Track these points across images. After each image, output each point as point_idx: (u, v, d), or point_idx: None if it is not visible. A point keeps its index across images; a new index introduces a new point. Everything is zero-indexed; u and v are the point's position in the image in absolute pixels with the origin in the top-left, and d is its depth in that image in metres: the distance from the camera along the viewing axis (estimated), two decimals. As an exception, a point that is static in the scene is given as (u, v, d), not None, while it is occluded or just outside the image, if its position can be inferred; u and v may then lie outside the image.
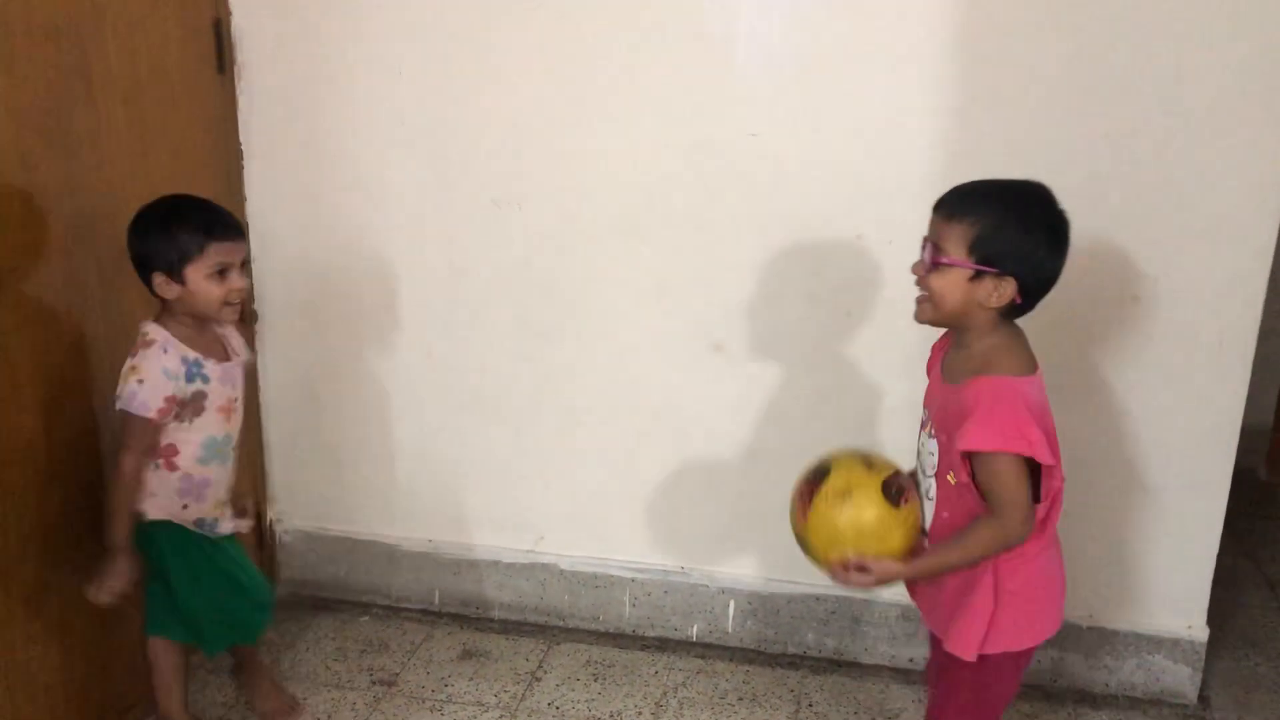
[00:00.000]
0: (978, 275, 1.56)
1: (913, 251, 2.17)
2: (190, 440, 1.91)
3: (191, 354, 1.88)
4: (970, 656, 1.63)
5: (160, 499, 1.92)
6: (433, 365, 2.46)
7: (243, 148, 2.39)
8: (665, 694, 2.35)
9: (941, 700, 1.79)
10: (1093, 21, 2.02)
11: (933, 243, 1.60)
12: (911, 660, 2.41)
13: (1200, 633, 2.32)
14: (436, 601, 2.63)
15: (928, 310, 1.63)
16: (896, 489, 1.64)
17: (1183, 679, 2.34)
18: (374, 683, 2.36)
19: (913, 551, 1.66)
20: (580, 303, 2.36)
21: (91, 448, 1.99)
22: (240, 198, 2.40)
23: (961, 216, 1.57)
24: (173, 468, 1.91)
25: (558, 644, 2.52)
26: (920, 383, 1.78)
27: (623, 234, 2.30)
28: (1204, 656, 2.33)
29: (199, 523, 1.96)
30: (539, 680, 2.39)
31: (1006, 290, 1.56)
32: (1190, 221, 2.08)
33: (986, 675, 1.67)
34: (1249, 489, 3.29)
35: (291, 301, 2.49)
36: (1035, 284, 1.58)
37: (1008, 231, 1.55)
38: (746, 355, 2.32)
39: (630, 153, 2.25)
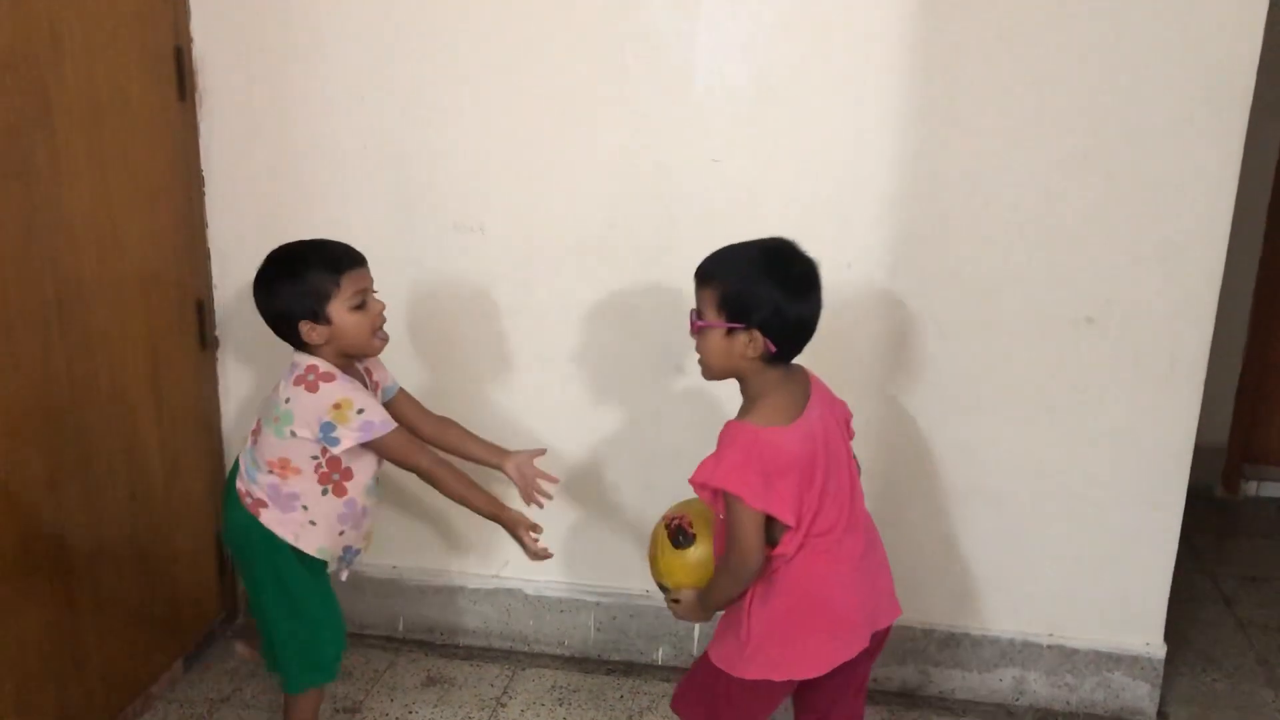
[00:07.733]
0: (730, 332, 1.66)
1: (871, 274, 2.21)
2: (365, 469, 1.91)
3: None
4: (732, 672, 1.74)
5: (320, 528, 1.90)
6: (396, 391, 2.46)
7: (204, 174, 2.39)
8: (630, 718, 2.34)
9: (691, 681, 1.87)
10: (1047, 48, 2.06)
11: (694, 309, 1.71)
12: (875, 680, 2.43)
13: (1158, 649, 2.35)
14: (400, 628, 2.62)
15: (704, 370, 1.75)
16: (679, 530, 1.81)
17: (1141, 695, 2.37)
18: (337, 710, 2.34)
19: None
20: (543, 326, 2.37)
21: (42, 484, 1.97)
22: (201, 225, 2.39)
23: (710, 280, 1.69)
24: (342, 492, 1.90)
25: (523, 669, 2.51)
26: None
27: (585, 259, 2.31)
28: (1162, 673, 2.36)
29: (346, 550, 1.97)
30: (504, 706, 2.38)
31: (757, 341, 1.65)
32: (1143, 244, 2.12)
33: (732, 689, 1.76)
34: (1205, 507, 3.35)
35: (252, 329, 2.47)
36: (783, 331, 1.66)
37: (746, 288, 1.66)
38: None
39: (592, 179, 2.26)
